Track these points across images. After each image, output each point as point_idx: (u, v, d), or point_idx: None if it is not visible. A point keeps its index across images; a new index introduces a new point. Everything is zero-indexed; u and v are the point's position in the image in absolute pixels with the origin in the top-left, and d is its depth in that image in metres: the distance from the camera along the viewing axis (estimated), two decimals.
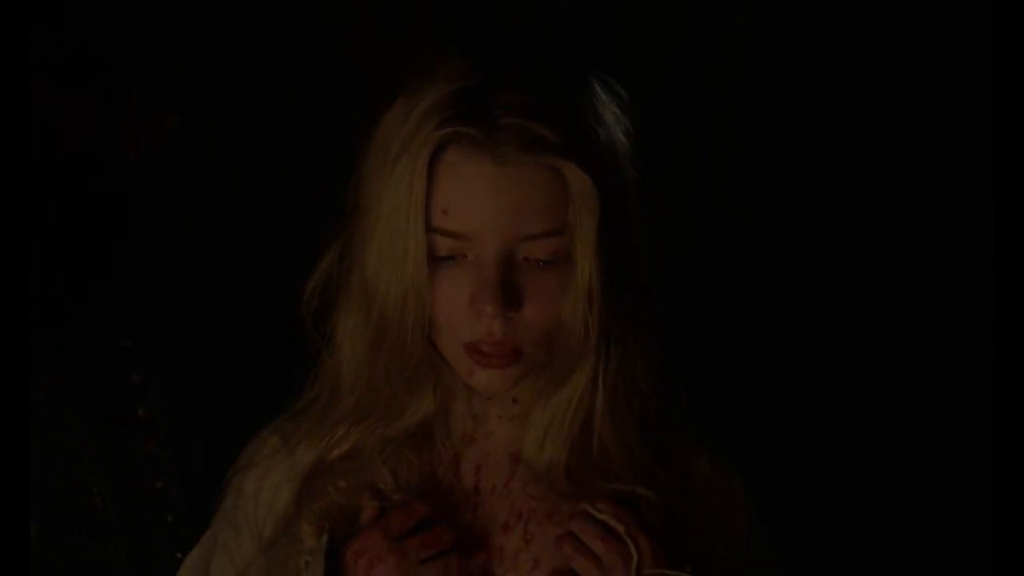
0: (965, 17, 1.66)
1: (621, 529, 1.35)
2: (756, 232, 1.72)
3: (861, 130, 1.71)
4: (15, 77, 1.37)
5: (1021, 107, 1.36)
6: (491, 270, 1.30)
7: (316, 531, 1.39)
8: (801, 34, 1.69)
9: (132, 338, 1.72)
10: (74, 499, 1.61)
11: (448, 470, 1.43)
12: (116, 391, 1.67)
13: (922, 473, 1.73)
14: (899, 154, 1.71)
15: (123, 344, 1.70)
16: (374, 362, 1.38)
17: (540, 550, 1.41)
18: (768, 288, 1.73)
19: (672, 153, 1.68)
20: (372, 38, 1.85)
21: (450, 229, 1.30)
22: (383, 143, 1.34)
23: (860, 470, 1.73)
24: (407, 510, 1.38)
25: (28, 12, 1.45)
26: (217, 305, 1.58)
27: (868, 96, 1.71)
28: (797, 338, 1.73)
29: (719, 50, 1.69)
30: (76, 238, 1.76)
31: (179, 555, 1.55)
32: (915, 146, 1.71)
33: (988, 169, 1.46)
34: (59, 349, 1.65)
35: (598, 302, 1.32)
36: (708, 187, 1.71)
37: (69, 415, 1.62)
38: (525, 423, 1.42)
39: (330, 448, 1.42)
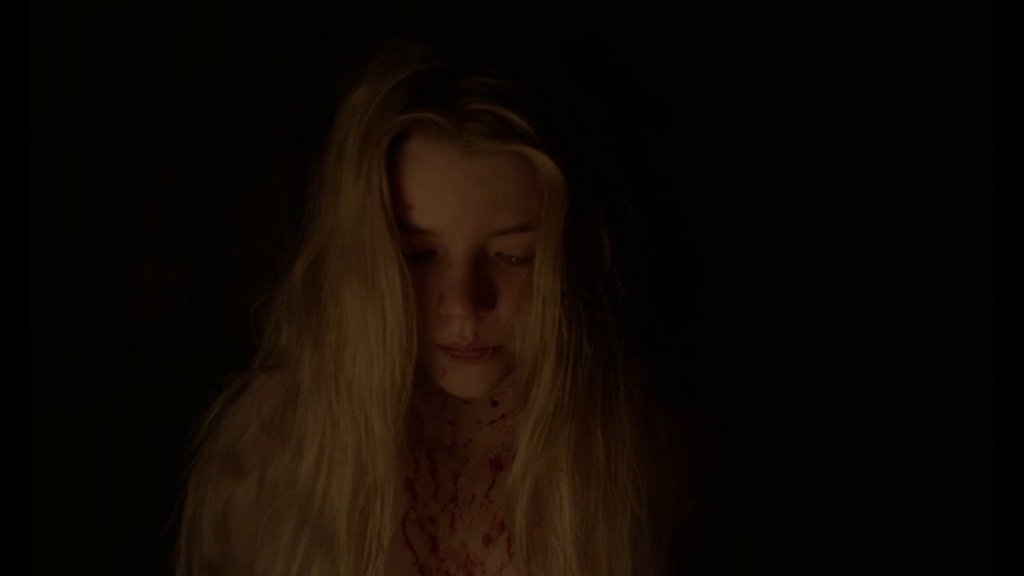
0: (964, 15, 1.65)
1: None
2: (753, 229, 1.72)
3: (861, 129, 1.71)
4: (16, 78, 1.37)
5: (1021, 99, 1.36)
6: (460, 268, 1.21)
7: None
8: (802, 30, 1.69)
9: None
10: None
11: (422, 479, 1.34)
12: None
13: (921, 473, 1.73)
14: (899, 152, 1.71)
15: None
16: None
17: (527, 563, 1.28)
18: (767, 285, 1.73)
19: (665, 143, 1.67)
20: None
21: (416, 225, 1.20)
22: (344, 133, 1.23)
23: (859, 470, 1.73)
24: None
25: (29, 14, 1.46)
26: None
27: (867, 93, 1.71)
28: (795, 337, 1.73)
29: (717, 44, 1.69)
30: None
31: None
32: (915, 143, 1.71)
33: (988, 167, 1.46)
34: None
35: (554, 307, 1.22)
36: (702, 182, 1.71)
37: None
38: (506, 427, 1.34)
39: None
